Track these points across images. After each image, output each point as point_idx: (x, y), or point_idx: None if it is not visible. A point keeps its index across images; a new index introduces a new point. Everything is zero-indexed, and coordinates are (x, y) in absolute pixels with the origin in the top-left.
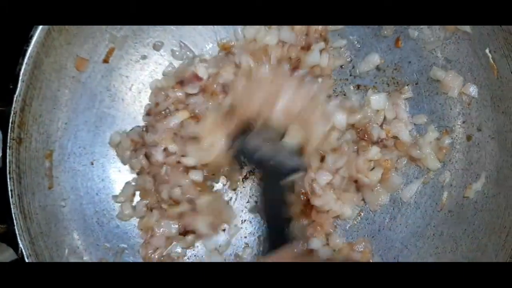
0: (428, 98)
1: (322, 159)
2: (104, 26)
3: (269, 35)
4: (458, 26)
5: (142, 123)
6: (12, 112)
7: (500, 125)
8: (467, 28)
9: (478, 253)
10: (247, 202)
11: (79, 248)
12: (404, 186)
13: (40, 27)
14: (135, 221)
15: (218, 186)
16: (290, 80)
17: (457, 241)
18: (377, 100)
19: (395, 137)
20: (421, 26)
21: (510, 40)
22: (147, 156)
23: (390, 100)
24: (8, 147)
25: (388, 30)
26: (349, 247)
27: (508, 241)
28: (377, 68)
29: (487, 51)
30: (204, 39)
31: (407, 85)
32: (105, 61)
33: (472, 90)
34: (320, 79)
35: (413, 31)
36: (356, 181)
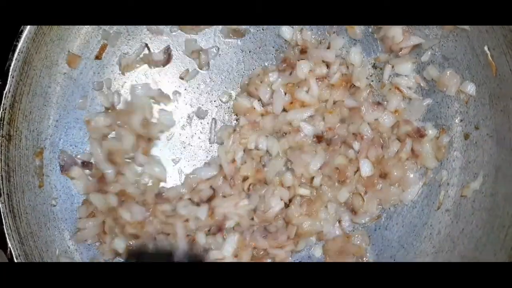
0: (425, 96)
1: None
2: None
3: None
4: None
5: None
6: (1, 109)
7: (498, 123)
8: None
9: (477, 253)
10: None
11: (70, 248)
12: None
13: None
14: None
15: None
16: None
17: (454, 241)
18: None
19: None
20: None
21: (510, 38)
22: None
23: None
24: None
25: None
26: (346, 238)
27: (508, 241)
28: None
29: (485, 48)
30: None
31: None
32: (98, 57)
33: (470, 88)
34: None
35: None
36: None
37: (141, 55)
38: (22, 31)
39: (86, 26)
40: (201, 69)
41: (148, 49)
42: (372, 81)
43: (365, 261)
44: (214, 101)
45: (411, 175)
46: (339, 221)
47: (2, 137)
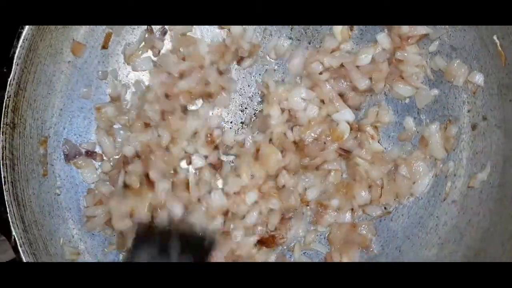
0: (432, 86)
1: None
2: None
3: None
4: None
5: None
6: (5, 97)
7: (507, 113)
8: None
9: (484, 244)
10: None
11: (74, 237)
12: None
13: None
14: None
15: None
16: None
17: (461, 232)
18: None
19: None
20: None
21: None
22: None
23: None
24: (1, 133)
25: None
26: (352, 227)
27: None
28: None
29: (495, 37)
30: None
31: None
32: (104, 47)
33: (478, 78)
34: None
35: None
36: None
37: (144, 42)
38: None
39: None
40: None
41: (150, 32)
42: None
43: (370, 251)
44: None
45: (421, 168)
46: (352, 209)
47: (7, 125)
